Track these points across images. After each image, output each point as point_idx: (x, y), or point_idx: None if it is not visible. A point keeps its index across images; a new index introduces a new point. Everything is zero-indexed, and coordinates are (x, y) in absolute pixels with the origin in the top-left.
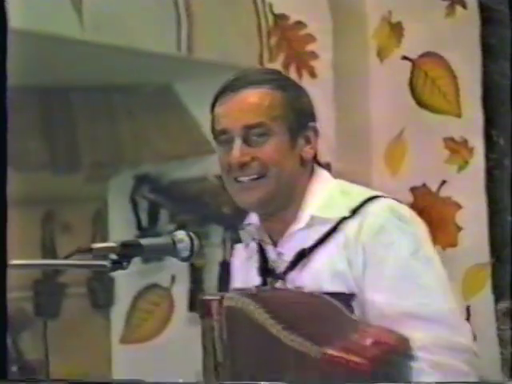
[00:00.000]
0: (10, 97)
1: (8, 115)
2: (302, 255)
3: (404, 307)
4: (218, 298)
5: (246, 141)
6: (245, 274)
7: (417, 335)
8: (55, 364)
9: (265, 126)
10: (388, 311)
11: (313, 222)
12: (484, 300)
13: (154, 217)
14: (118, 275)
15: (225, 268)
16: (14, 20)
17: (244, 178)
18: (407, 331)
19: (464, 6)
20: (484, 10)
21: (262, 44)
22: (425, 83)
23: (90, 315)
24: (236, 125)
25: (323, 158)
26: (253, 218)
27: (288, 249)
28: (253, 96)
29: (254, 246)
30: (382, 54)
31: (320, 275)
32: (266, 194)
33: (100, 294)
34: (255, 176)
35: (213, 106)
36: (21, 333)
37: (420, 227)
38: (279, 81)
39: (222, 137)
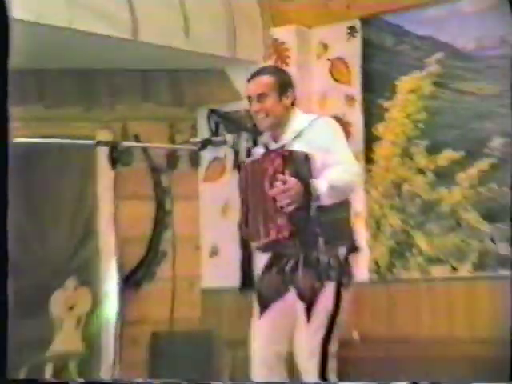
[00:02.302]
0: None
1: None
2: (283, 147)
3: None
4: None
5: (259, 100)
6: None
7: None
8: None
9: (267, 93)
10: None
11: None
12: None
13: (217, 128)
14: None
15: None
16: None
17: (260, 116)
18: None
19: None
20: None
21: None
22: None
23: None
24: (254, 93)
25: None
26: (264, 135)
27: (278, 146)
28: (263, 79)
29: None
30: None
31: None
32: (271, 123)
33: (196, 157)
34: (264, 115)
35: (248, 83)
36: None
37: (337, 127)
38: (276, 71)
39: (249, 98)
